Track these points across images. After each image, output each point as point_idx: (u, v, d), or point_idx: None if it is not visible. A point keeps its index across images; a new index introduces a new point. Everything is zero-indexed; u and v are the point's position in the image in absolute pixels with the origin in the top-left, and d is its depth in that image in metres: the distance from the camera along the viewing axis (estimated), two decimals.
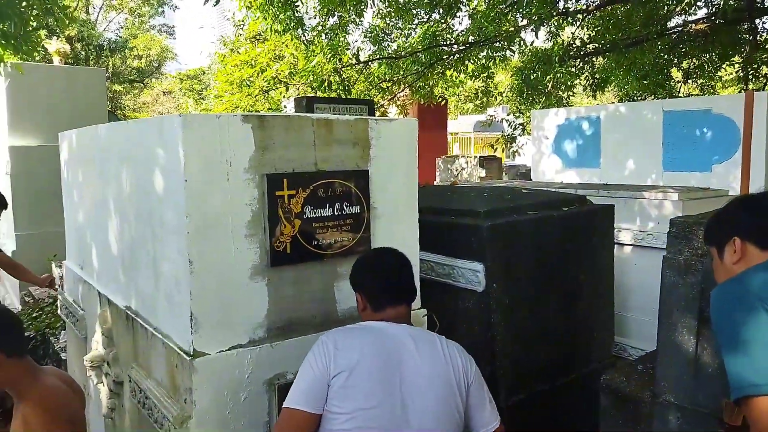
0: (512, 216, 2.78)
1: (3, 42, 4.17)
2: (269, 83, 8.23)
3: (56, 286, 3.72)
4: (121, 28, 21.91)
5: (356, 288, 1.86)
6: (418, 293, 2.38)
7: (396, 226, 2.26)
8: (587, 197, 3.36)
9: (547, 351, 2.82)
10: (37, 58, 6.34)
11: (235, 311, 1.87)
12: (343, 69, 7.71)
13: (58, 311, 3.77)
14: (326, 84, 7.28)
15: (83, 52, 16.14)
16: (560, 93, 9.37)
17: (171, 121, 1.81)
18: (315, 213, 1.99)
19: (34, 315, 5.21)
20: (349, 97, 7.31)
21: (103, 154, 2.58)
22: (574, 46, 9.03)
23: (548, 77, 8.73)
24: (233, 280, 1.86)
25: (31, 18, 4.56)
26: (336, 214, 2.04)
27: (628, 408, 2.12)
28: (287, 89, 8.29)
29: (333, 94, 7.23)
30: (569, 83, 9.14)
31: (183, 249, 1.78)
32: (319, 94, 7.11)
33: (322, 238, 2.01)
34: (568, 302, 2.93)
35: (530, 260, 2.75)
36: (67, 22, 5.59)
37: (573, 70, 9.08)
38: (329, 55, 7.13)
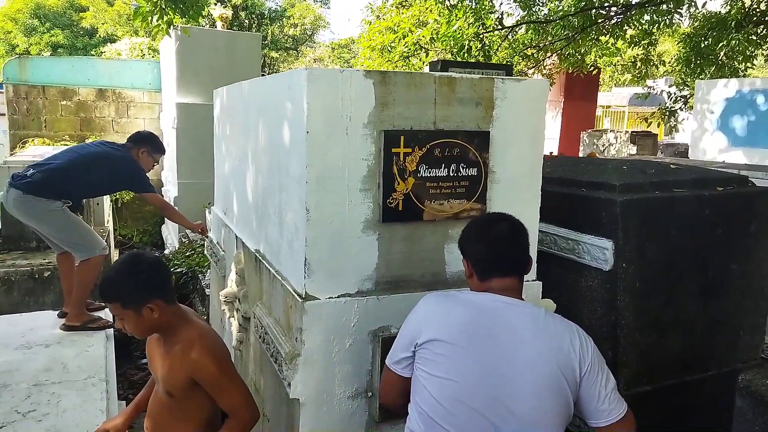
0: (653, 192, 2.53)
1: (172, 6, 4.62)
2: (410, 49, 8.24)
3: (207, 234, 4.13)
4: None
5: (464, 254, 1.76)
6: (534, 266, 2.29)
7: (515, 193, 2.16)
8: (750, 179, 2.95)
9: (680, 343, 2.57)
10: (204, 23, 6.96)
11: (346, 262, 1.94)
12: (485, 34, 7.46)
13: (205, 252, 4.20)
14: (466, 49, 7.11)
15: (246, 20, 17.39)
16: (736, 64, 8.26)
17: (298, 75, 1.88)
18: (430, 173, 1.97)
19: (187, 254, 5.84)
20: (488, 62, 7.08)
21: (245, 109, 2.78)
22: (757, 10, 7.85)
23: (722, 45, 7.73)
24: (346, 232, 1.92)
25: None
26: (451, 175, 2.00)
27: (767, 412, 1.87)
28: (427, 55, 8.25)
29: (473, 60, 7.05)
30: (747, 53, 8.01)
31: (302, 198, 1.87)
32: (459, 59, 6.98)
33: (435, 199, 1.99)
34: (712, 293, 2.63)
35: (670, 242, 2.49)
36: None
37: (753, 38, 7.93)
38: (471, 20, 6.92)
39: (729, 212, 2.64)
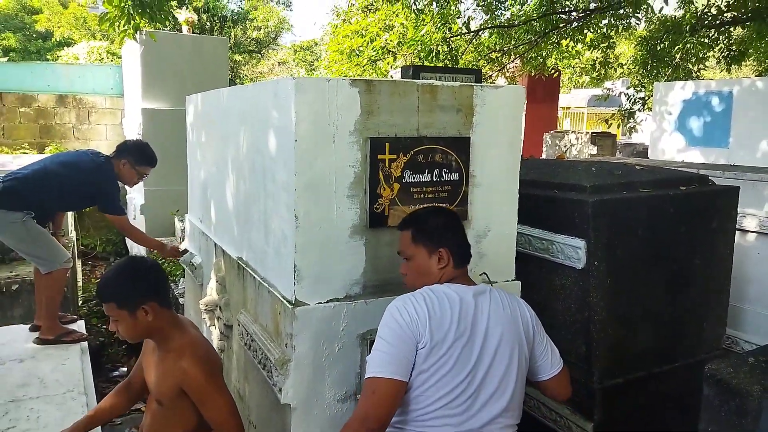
0: (621, 192, 2.65)
1: (140, 11, 4.56)
2: (378, 53, 8.32)
3: (179, 257, 3.76)
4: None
5: (440, 244, 1.80)
6: (513, 266, 2.38)
7: (495, 196, 2.24)
8: (710, 178, 3.12)
9: (649, 336, 2.69)
10: (168, 28, 6.86)
11: (334, 267, 1.98)
12: (452, 39, 7.59)
13: (179, 260, 4.14)
14: (434, 54, 7.22)
15: (208, 23, 17.15)
16: (690, 66, 8.62)
17: (285, 84, 1.91)
18: (414, 178, 2.03)
19: (161, 260, 5.74)
20: (457, 67, 7.21)
21: (223, 116, 2.78)
22: (709, 14, 8.23)
23: (677, 48, 8.06)
24: (334, 238, 1.96)
25: None
26: (434, 180, 2.07)
27: (733, 400, 1.98)
28: (395, 59, 8.35)
29: (440, 64, 7.16)
30: (701, 55, 8.37)
31: (291, 205, 1.90)
32: (427, 63, 7.08)
33: (419, 203, 2.05)
34: (677, 288, 2.76)
35: (638, 240, 2.62)
36: None
37: (706, 40, 8.30)
38: (438, 24, 7.04)
39: (692, 210, 2.78)
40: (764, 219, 3.57)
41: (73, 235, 6.18)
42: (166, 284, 1.98)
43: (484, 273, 2.09)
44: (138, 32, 5.68)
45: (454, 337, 1.63)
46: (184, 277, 4.69)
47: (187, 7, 12.51)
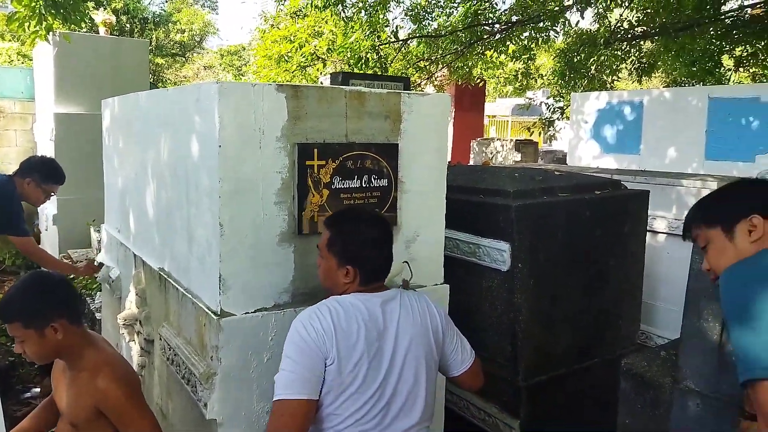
0: (542, 197, 2.76)
1: (53, 11, 4.30)
2: (307, 59, 8.27)
3: (97, 273, 3.51)
4: (166, 1, 22.24)
5: (352, 262, 1.70)
6: (441, 270, 2.41)
7: (423, 202, 2.27)
8: (622, 182, 3.30)
9: (570, 334, 2.81)
10: (84, 29, 6.51)
11: (262, 276, 1.93)
12: (381, 47, 7.67)
13: (97, 276, 3.92)
14: (363, 61, 7.28)
15: (128, 25, 16.45)
16: (604, 77, 9.13)
17: (208, 88, 1.86)
18: (343, 184, 2.02)
19: (71, 276, 5.41)
20: (386, 74, 7.30)
21: (143, 121, 2.66)
22: (621, 28, 8.76)
23: (592, 60, 8.52)
24: (261, 246, 1.91)
25: None
26: (364, 186, 2.07)
27: (648, 393, 2.10)
28: (325, 65, 8.33)
29: (370, 72, 7.22)
30: (614, 67, 8.89)
31: (215, 212, 1.84)
32: (356, 71, 7.12)
33: None
34: (594, 287, 2.90)
35: (558, 242, 2.73)
36: None
37: (618, 53, 8.83)
38: (367, 32, 7.10)
39: (606, 213, 2.93)
40: (673, 221, 3.82)
41: None
42: (75, 299, 1.87)
43: (406, 262, 2.07)
44: (51, 33, 5.37)
45: (362, 351, 1.59)
46: (100, 291, 4.44)
47: (105, 8, 11.95)
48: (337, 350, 1.56)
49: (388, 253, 1.78)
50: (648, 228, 3.35)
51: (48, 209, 6.65)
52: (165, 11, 19.48)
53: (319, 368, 1.55)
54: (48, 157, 3.56)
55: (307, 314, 1.63)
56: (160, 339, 2.35)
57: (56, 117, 6.30)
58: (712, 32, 8.52)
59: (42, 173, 3.30)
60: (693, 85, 9.04)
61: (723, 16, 8.39)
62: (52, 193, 3.40)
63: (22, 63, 10.73)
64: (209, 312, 1.91)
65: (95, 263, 3.53)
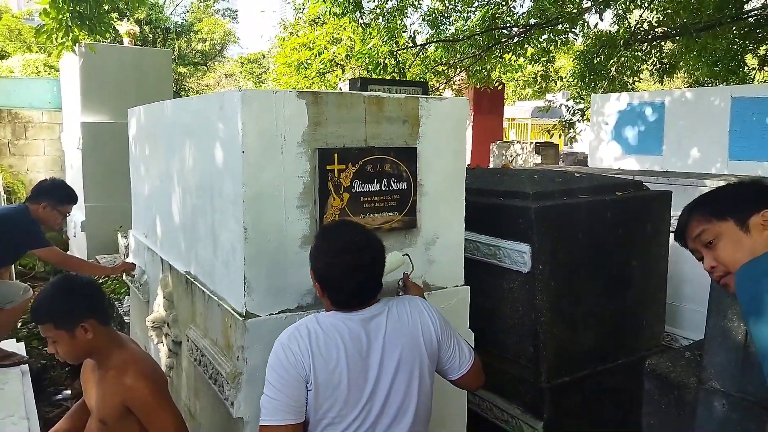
0: (562, 199, 2.76)
1: (79, 23, 4.43)
2: (326, 66, 8.36)
3: (132, 273, 3.54)
4: (187, 11, 22.60)
5: (319, 280, 1.62)
6: (462, 271, 2.42)
7: (442, 204, 2.29)
8: (644, 183, 3.28)
9: (593, 336, 2.80)
10: (108, 40, 6.67)
11: (285, 278, 1.97)
12: (399, 52, 7.72)
13: (123, 277, 4.01)
14: (381, 67, 7.32)
15: (151, 35, 16.77)
16: (625, 78, 9.05)
17: (231, 96, 1.91)
18: (363, 188, 2.05)
19: (100, 281, 5.54)
20: (404, 79, 7.34)
21: (168, 129, 2.74)
22: (641, 29, 8.68)
23: (612, 61, 8.45)
24: (284, 249, 1.96)
25: (104, 0, 4.81)
26: (383, 189, 2.10)
27: (672, 393, 2.09)
28: (343, 72, 8.41)
29: (388, 77, 7.27)
30: (635, 68, 8.81)
31: (239, 217, 1.89)
32: (374, 76, 7.17)
33: (368, 212, 2.08)
34: (617, 288, 2.89)
35: (579, 244, 2.73)
36: (137, 4, 5.84)
37: (639, 54, 8.74)
38: (385, 38, 7.15)
39: (628, 214, 2.92)
40: None
41: None
42: (103, 300, 1.93)
43: (407, 254, 2.00)
44: (77, 45, 5.51)
45: (340, 375, 1.53)
46: (128, 295, 4.54)
47: (129, 19, 12.21)
48: (315, 376, 1.52)
49: (366, 279, 1.60)
50: (671, 229, 3.32)
51: (76, 216, 6.82)
52: (186, 21, 19.82)
53: (300, 393, 1.52)
54: (58, 180, 3.70)
55: (286, 336, 1.58)
56: (188, 340, 2.41)
57: (83, 126, 6.47)
58: (734, 31, 8.40)
59: (55, 196, 3.41)
60: (716, 85, 8.91)
61: (746, 15, 8.26)
62: (68, 214, 3.53)
63: (49, 74, 11.02)
64: (235, 313, 1.96)
65: (128, 261, 3.64)
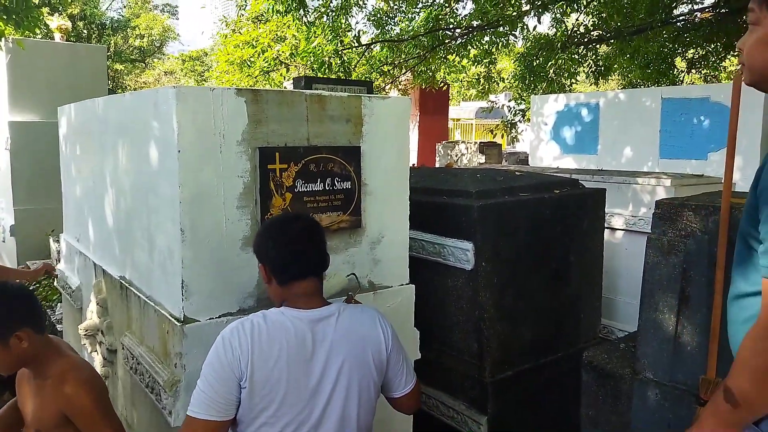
0: (503, 197, 2.82)
1: (5, 17, 4.18)
2: (270, 64, 8.23)
3: (54, 273, 3.44)
4: (124, 6, 21.80)
5: (260, 258, 1.67)
6: (407, 270, 2.43)
7: (387, 204, 2.29)
8: (580, 181, 3.39)
9: (533, 330, 2.87)
10: (39, 35, 6.34)
11: (226, 280, 1.92)
12: (344, 51, 7.70)
13: (55, 283, 3.82)
14: (326, 66, 7.28)
15: (85, 31, 16.08)
16: (562, 80, 9.36)
17: (165, 93, 1.84)
18: (306, 187, 2.02)
19: (31, 288, 5.26)
20: (349, 79, 7.33)
21: (100, 128, 2.62)
22: (577, 32, 9.00)
23: (550, 64, 8.72)
24: (224, 251, 1.90)
25: None
26: (327, 189, 2.08)
27: (608, 384, 2.17)
28: (288, 70, 8.30)
29: (333, 76, 7.24)
30: (572, 70, 9.13)
31: (176, 219, 1.83)
32: (320, 75, 7.13)
33: (312, 213, 2.05)
34: (556, 283, 2.98)
35: (520, 241, 2.79)
36: None
37: (576, 57, 9.06)
38: (330, 37, 7.11)
39: (565, 211, 3.01)
40: (629, 218, 3.94)
41: None
42: (37, 307, 1.83)
43: (353, 274, 2.02)
44: (3, 39, 5.21)
45: (279, 374, 1.51)
46: (60, 302, 4.32)
47: (61, 14, 11.65)
48: (251, 372, 1.49)
49: (303, 248, 1.63)
50: (606, 225, 3.45)
51: (5, 220, 6.46)
52: (123, 17, 19.13)
53: (232, 392, 1.50)
54: None
55: (229, 330, 1.55)
56: (123, 348, 2.31)
57: (11, 126, 6.13)
58: (665, 35, 8.83)
59: None
60: (647, 87, 9.34)
61: (674, 20, 8.70)
62: None
63: None
64: (172, 319, 1.89)
65: (49, 265, 3.45)
